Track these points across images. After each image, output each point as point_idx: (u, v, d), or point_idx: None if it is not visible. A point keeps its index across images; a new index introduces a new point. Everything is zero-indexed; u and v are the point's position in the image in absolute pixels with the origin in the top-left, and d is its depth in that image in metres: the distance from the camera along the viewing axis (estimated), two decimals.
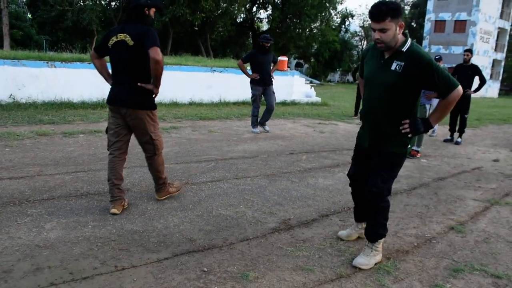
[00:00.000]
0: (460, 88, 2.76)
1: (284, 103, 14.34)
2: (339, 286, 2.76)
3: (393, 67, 2.80)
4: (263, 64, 8.31)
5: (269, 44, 8.33)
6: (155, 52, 3.52)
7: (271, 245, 3.31)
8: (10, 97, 9.55)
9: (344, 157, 6.73)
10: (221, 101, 13.24)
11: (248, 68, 8.74)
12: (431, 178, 5.79)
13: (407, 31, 2.88)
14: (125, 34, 3.66)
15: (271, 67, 8.53)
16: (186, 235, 3.40)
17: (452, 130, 9.27)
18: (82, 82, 10.55)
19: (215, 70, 13.15)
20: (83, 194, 4.20)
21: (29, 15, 42.79)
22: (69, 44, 24.60)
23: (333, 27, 45.67)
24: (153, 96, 3.88)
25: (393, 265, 3.09)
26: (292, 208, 4.20)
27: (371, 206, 3.05)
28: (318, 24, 40.58)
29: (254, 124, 8.70)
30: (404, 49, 2.77)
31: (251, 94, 8.54)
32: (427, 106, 7.54)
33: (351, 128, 10.34)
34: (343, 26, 50.70)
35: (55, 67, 10.28)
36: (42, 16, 37.43)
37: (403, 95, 2.85)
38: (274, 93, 8.58)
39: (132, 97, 3.74)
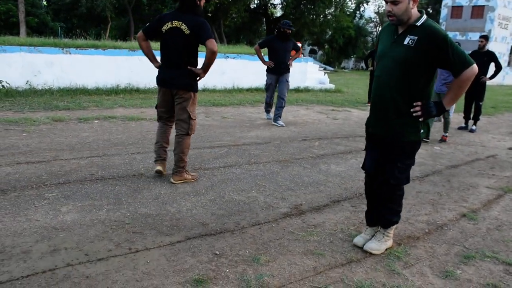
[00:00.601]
0: (475, 66, 2.61)
1: (297, 90, 14.29)
2: (349, 271, 2.79)
3: (405, 42, 2.70)
4: (279, 51, 7.88)
5: (290, 31, 7.90)
6: (212, 44, 3.95)
7: (282, 230, 3.34)
8: (26, 83, 9.68)
9: (357, 144, 6.72)
10: (234, 88, 13.24)
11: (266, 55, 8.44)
12: (444, 165, 5.75)
13: (423, 10, 2.82)
14: (180, 22, 4.04)
15: (291, 55, 8.14)
16: (199, 219, 3.45)
17: (466, 118, 9.17)
18: (96, 68, 10.66)
19: (228, 57, 13.13)
20: (97, 178, 4.27)
21: (44, 2, 43.06)
22: (83, 30, 24.72)
23: (348, 13, 45.06)
24: (198, 79, 4.26)
25: (403, 251, 3.11)
26: (304, 193, 4.23)
27: (386, 195, 3.00)
28: (332, 10, 40.07)
29: (267, 110, 8.55)
30: (419, 23, 2.68)
31: (266, 83, 8.26)
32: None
33: (365, 115, 10.26)
34: (358, 12, 49.96)
35: (70, 53, 10.37)
36: (57, 3, 37.66)
37: (414, 72, 2.71)
38: (288, 81, 8.17)
39: (183, 80, 4.16)
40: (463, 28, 39.44)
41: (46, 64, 10.01)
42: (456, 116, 10.55)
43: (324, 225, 3.50)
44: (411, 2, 2.65)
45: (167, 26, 4.08)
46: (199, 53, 4.27)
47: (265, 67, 8.14)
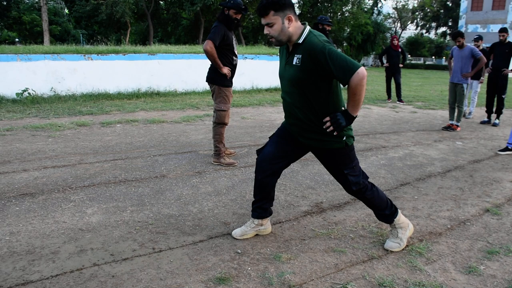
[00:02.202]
0: (360, 71, 2.45)
1: None
2: (370, 267, 2.79)
3: (294, 62, 2.64)
4: None
5: (330, 28, 7.27)
6: (204, 43, 4.60)
7: (303, 228, 3.36)
8: (51, 90, 9.94)
9: (377, 141, 6.68)
10: (253, 88, 13.30)
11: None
12: (466, 160, 5.68)
13: (306, 22, 2.73)
14: None
15: None
16: (220, 218, 3.50)
17: (489, 112, 8.99)
18: (117, 73, 10.87)
19: (246, 57, 13.19)
20: (121, 181, 4.37)
21: (66, 11, 43.97)
22: (104, 37, 25.16)
23: (365, 9, 44.60)
24: (223, 75, 4.82)
25: (425, 247, 3.09)
26: (324, 191, 4.24)
27: (364, 201, 3.01)
28: (349, 7, 39.76)
29: None
30: (300, 40, 2.60)
31: None
32: (464, 86, 7.43)
33: (384, 111, 10.20)
34: (376, 8, 49.43)
35: (91, 59, 10.59)
36: (78, 11, 38.38)
37: (310, 90, 2.66)
38: None
39: (209, 74, 4.95)
40: (484, 20, 38.60)
41: (69, 70, 10.25)
42: (478, 110, 10.39)
43: (344, 222, 3.50)
44: (286, 22, 2.59)
45: None
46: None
47: None
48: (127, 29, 37.31)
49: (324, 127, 2.67)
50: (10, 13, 37.31)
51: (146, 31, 41.15)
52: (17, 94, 9.39)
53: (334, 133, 2.66)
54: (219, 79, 4.85)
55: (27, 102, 9.23)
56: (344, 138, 2.77)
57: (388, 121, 8.73)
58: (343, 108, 2.70)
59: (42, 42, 26.29)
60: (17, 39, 39.89)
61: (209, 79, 4.93)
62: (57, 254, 2.83)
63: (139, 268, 2.68)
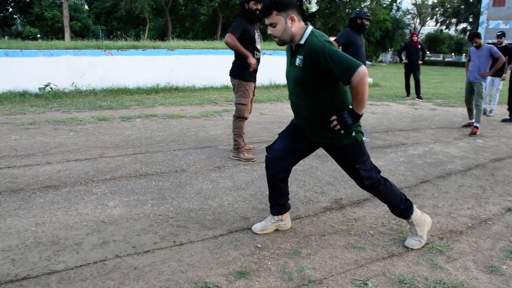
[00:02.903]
0: (361, 69, 2.44)
1: None
2: (391, 264, 2.78)
3: (297, 62, 2.67)
4: (361, 47, 6.38)
5: (368, 22, 6.64)
6: (225, 37, 4.67)
7: (323, 224, 3.37)
8: (72, 85, 10.09)
9: (396, 138, 6.62)
10: (272, 84, 13.29)
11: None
12: (487, 159, 5.59)
13: (308, 22, 2.72)
14: None
15: None
16: (240, 213, 3.52)
17: (511, 110, 8.83)
18: (137, 68, 10.97)
19: (265, 53, 13.17)
20: (141, 174, 4.42)
21: (86, 7, 44.52)
22: (123, 32, 25.41)
23: (384, 5, 44.13)
24: (246, 70, 4.88)
25: (446, 245, 3.06)
26: (344, 188, 4.23)
27: (374, 194, 3.00)
28: (368, 3, 39.42)
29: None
30: (302, 41, 2.62)
31: None
32: (483, 84, 7.24)
33: (404, 108, 10.10)
34: (395, 4, 48.85)
35: (111, 55, 10.71)
36: (97, 7, 38.85)
37: (314, 91, 2.68)
38: None
39: (231, 69, 5.02)
40: (506, 16, 37.77)
41: (89, 66, 10.39)
42: (499, 108, 10.21)
43: (364, 219, 3.50)
44: (289, 22, 2.60)
45: None
46: (226, 50, 4.69)
47: None
48: (146, 24, 37.63)
49: (331, 125, 2.68)
50: (32, 10, 38.01)
51: (165, 26, 41.41)
52: (39, 88, 9.55)
53: (342, 132, 2.67)
54: (241, 74, 4.89)
55: (49, 96, 9.39)
56: (353, 134, 2.77)
57: (407, 118, 8.64)
58: (350, 107, 2.69)
59: (63, 38, 26.69)
60: (38, 35, 40.59)
61: (231, 73, 4.99)
62: (80, 245, 2.88)
63: (161, 261, 2.72)
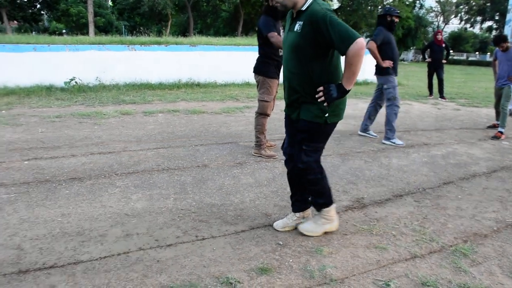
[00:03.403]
0: (359, 41, 2.45)
1: (356, 83, 14.03)
2: (413, 266, 2.75)
3: (295, 28, 2.68)
4: (395, 46, 6.10)
5: (398, 20, 6.34)
6: (269, 37, 4.63)
7: (344, 223, 3.35)
8: (96, 79, 10.24)
9: (418, 138, 6.54)
10: None
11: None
12: None
13: None
14: None
15: None
16: (262, 209, 3.53)
17: None
18: (159, 64, 11.07)
19: None
20: (164, 169, 4.47)
21: (110, 3, 45.09)
22: (145, 28, 25.62)
23: (407, 2, 43.43)
24: (270, 66, 4.89)
25: (470, 248, 3.01)
26: (366, 187, 4.20)
27: (302, 180, 2.99)
28: (391, 0, 38.87)
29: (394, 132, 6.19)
30: (304, 8, 2.64)
31: (388, 89, 6.12)
32: None
33: (426, 108, 9.95)
34: (418, 1, 48.02)
35: (135, 50, 10.83)
36: (121, 3, 39.33)
37: (305, 58, 2.69)
38: None
39: (255, 65, 5.01)
40: None
41: (113, 60, 10.53)
42: None
43: (386, 219, 3.46)
44: None
45: None
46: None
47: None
48: (168, 20, 37.88)
49: (316, 96, 2.70)
50: (59, 6, 38.73)
51: (186, 23, 41.64)
52: (65, 82, 9.73)
53: (324, 104, 2.69)
54: (265, 70, 4.90)
55: (74, 90, 9.56)
56: (327, 115, 2.77)
57: (430, 118, 8.52)
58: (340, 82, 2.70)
59: (87, 33, 27.08)
60: (64, 31, 41.31)
61: (256, 70, 4.99)
62: (105, 237, 2.93)
63: (183, 255, 2.75)
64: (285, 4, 2.70)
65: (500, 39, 6.90)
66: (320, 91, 2.68)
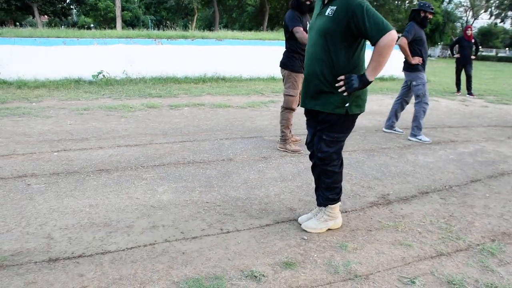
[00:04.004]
0: (393, 33, 2.45)
1: (382, 79, 13.88)
2: (439, 264, 2.71)
3: (327, 12, 2.63)
4: (425, 43, 5.99)
5: (432, 16, 6.11)
6: (295, 32, 4.67)
7: (369, 219, 3.33)
8: (123, 72, 10.40)
9: (445, 135, 6.41)
10: None
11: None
12: None
13: None
14: None
15: None
16: (286, 204, 3.54)
17: None
18: (185, 58, 11.16)
19: None
20: (189, 162, 4.52)
21: None
22: (172, 22, 25.83)
23: None
24: (296, 61, 4.87)
25: (498, 247, 2.95)
26: (391, 183, 4.15)
27: (319, 170, 2.97)
28: None
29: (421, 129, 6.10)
30: None
31: (417, 86, 6.02)
32: None
33: (453, 104, 9.75)
34: None
35: (161, 44, 10.94)
36: None
37: (334, 43, 2.64)
38: None
39: (282, 60, 5.01)
40: None
41: (140, 54, 10.67)
42: None
43: (412, 216, 3.42)
44: None
45: None
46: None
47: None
48: (194, 15, 38.07)
49: (336, 85, 2.67)
50: (87, 0, 39.39)
51: (212, 17, 41.78)
52: (93, 76, 9.92)
53: (345, 94, 2.65)
54: (291, 65, 4.89)
55: (101, 83, 9.74)
56: (347, 105, 2.73)
57: (457, 115, 8.34)
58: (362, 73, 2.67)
59: (114, 27, 27.49)
60: (92, 25, 42.01)
61: (282, 64, 4.99)
62: (131, 228, 2.99)
63: (208, 247, 2.77)
64: None
65: None
66: (341, 80, 2.66)
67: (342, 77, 2.66)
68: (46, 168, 4.15)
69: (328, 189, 3.00)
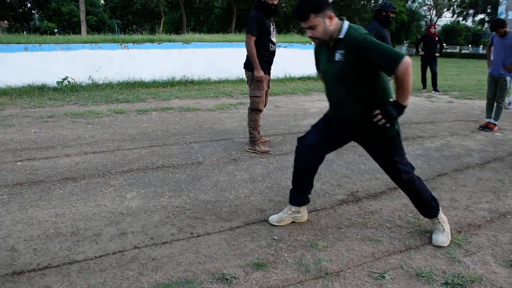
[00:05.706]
0: (405, 60, 2.45)
1: None
2: (408, 257, 2.76)
3: (336, 58, 2.63)
4: (389, 41, 6.17)
5: (394, 15, 6.22)
6: (246, 39, 4.76)
7: (339, 216, 3.36)
8: (89, 78, 10.20)
9: (412, 131, 6.55)
10: (287, 77, 13.24)
11: None
12: (506, 152, 5.50)
13: (343, 17, 2.66)
14: None
15: None
16: (257, 205, 3.53)
17: None
18: (152, 62, 11.03)
19: (279, 46, 13.10)
20: (158, 167, 4.46)
21: (102, 1, 44.83)
22: (138, 26, 25.52)
23: None
24: (260, 61, 4.84)
25: (464, 238, 3.03)
26: (360, 180, 4.21)
27: (409, 191, 2.97)
28: None
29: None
30: (341, 35, 2.59)
31: None
32: (508, 78, 6.66)
33: (420, 101, 9.97)
34: None
35: (128, 48, 10.78)
36: (113, 1, 39.09)
37: (355, 84, 2.65)
38: None
39: (246, 61, 4.99)
40: None
41: (106, 59, 10.48)
42: None
43: (381, 212, 3.48)
44: (327, 21, 2.57)
45: None
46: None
47: None
48: (161, 18, 37.71)
49: (374, 120, 2.65)
50: (50, 5, 38.46)
51: (179, 20, 41.51)
52: (57, 82, 9.68)
53: (387, 125, 2.66)
54: (251, 66, 4.87)
55: (67, 90, 9.51)
56: (396, 126, 2.78)
57: (424, 111, 8.54)
58: (391, 100, 2.68)
59: (79, 32, 26.93)
60: (56, 30, 41.03)
61: (245, 66, 5.00)
62: (99, 236, 2.93)
63: (178, 252, 2.75)
64: (324, 39, 2.65)
65: (499, 23, 6.54)
66: (378, 114, 2.64)
67: (378, 111, 2.64)
68: (9, 179, 4.02)
69: (428, 201, 2.98)
